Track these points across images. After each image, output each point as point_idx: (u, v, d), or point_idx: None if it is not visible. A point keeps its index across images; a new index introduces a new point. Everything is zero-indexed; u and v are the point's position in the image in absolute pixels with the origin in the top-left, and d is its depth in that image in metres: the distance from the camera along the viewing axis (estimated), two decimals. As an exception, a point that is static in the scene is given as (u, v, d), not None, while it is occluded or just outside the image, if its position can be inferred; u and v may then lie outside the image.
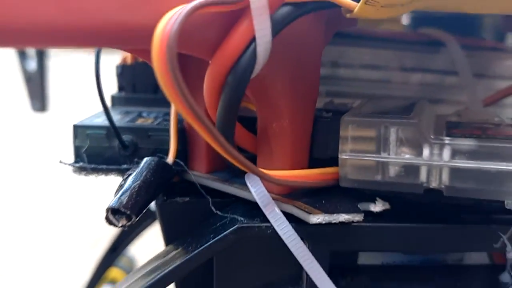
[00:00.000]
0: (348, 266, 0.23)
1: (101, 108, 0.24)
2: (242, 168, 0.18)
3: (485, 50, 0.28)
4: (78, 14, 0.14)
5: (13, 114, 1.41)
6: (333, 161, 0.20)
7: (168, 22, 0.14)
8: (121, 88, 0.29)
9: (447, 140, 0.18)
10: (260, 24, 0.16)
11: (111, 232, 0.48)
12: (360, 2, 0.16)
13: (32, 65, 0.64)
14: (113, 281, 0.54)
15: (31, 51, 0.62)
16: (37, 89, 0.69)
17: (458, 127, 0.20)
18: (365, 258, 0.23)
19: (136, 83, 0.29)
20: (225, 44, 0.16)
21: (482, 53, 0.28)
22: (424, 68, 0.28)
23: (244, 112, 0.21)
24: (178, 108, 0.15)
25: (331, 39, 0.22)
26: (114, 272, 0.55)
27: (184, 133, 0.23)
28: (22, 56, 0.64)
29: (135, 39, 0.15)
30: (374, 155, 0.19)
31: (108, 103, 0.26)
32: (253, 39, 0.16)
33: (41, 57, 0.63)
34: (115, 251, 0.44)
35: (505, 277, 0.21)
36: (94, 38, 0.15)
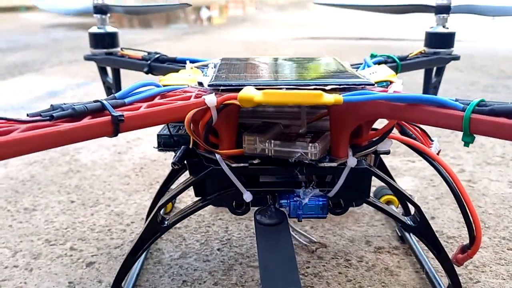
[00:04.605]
0: (254, 181, 0.65)
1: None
2: (214, 152, 0.60)
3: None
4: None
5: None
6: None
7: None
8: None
9: (272, 141, 0.59)
10: (213, 112, 0.57)
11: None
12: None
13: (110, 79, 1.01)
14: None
15: (109, 69, 1.01)
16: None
17: (284, 134, 0.61)
18: (264, 179, 0.65)
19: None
20: (204, 117, 0.58)
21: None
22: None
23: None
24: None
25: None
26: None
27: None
28: (103, 71, 1.02)
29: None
30: (253, 145, 0.60)
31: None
32: (211, 116, 0.57)
33: (117, 72, 1.01)
34: (166, 186, 0.87)
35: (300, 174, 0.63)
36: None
